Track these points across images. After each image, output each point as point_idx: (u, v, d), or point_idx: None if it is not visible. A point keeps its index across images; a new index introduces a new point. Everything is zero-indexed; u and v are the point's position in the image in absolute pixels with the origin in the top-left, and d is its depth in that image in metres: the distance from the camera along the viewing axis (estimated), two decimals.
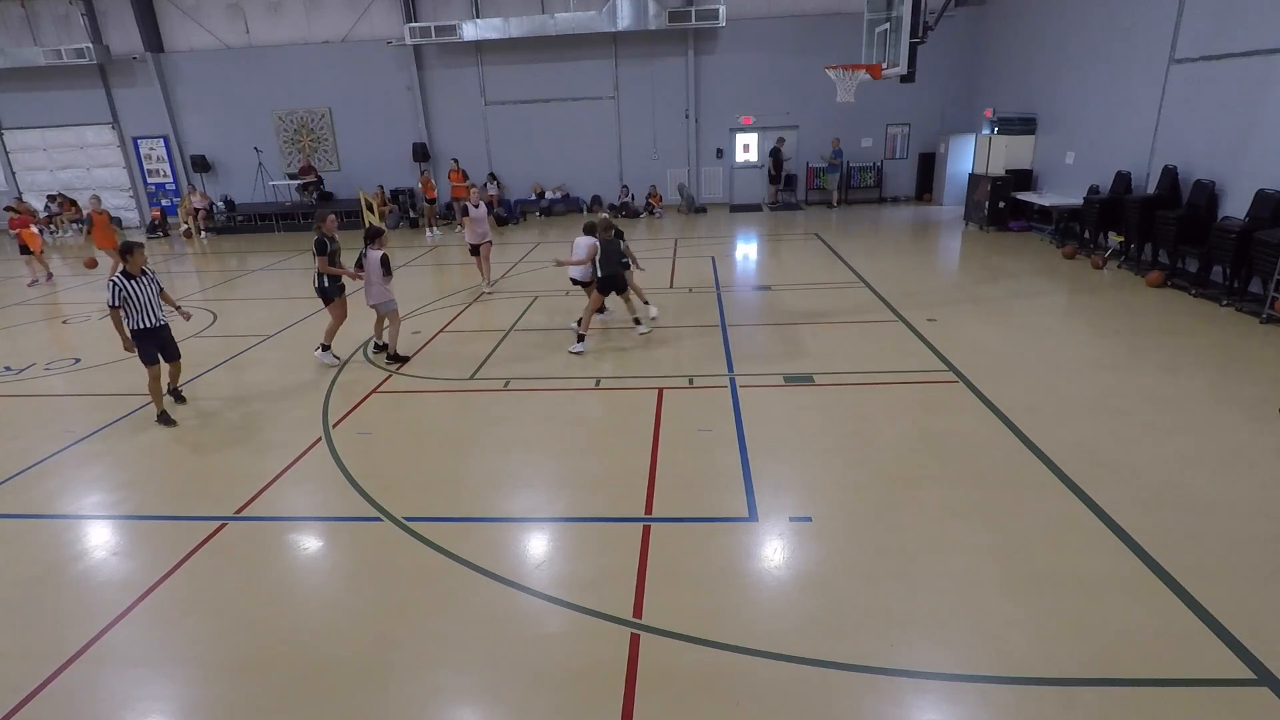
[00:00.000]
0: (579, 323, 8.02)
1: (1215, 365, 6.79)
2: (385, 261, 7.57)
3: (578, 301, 10.11)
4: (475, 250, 10.78)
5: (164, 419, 6.57)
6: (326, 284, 7.75)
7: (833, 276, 11.05)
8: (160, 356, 6.55)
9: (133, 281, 6.27)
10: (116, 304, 6.23)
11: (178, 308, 6.88)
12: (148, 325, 6.41)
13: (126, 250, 6.31)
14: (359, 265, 7.63)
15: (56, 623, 3.97)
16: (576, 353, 7.81)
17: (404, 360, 7.93)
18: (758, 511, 4.68)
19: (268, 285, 12.70)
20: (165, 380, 6.82)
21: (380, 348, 8.24)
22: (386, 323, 8.05)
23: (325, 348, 7.91)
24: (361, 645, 3.67)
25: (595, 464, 5.49)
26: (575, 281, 8.93)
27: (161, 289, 6.60)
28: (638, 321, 8.40)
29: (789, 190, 18.96)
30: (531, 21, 17.25)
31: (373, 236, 7.67)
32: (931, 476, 5.02)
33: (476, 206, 10.65)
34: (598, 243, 7.78)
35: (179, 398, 7.06)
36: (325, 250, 7.55)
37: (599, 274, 7.83)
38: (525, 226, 17.96)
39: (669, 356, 7.74)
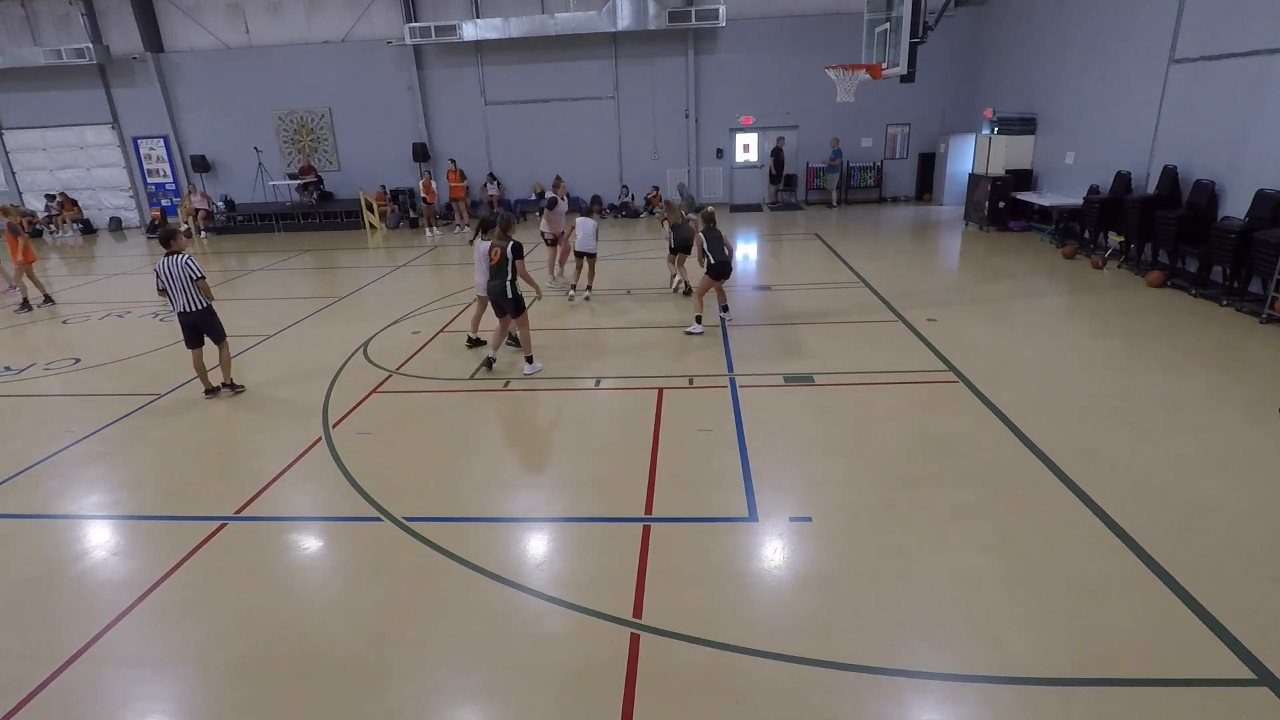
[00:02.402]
0: (698, 319, 8.50)
1: (1215, 365, 6.80)
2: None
3: (576, 301, 10.12)
4: (553, 242, 10.89)
5: (235, 386, 7.22)
6: (518, 291, 7.17)
7: (833, 276, 11.05)
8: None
9: None
10: (203, 274, 6.80)
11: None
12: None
13: (171, 236, 6.74)
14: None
15: (56, 623, 3.97)
16: (697, 333, 8.37)
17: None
18: (758, 511, 4.68)
19: (268, 285, 12.70)
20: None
21: (474, 341, 8.24)
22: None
23: (530, 359, 7.48)
24: (361, 645, 3.67)
25: (595, 464, 5.49)
26: (579, 253, 9.91)
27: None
28: (725, 308, 8.84)
29: (789, 190, 18.97)
30: (531, 21, 17.25)
31: (486, 227, 7.66)
32: (931, 476, 5.02)
33: (563, 200, 10.90)
34: (701, 235, 8.19)
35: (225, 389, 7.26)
36: (523, 254, 7.22)
37: (711, 261, 8.15)
38: (525, 226, 17.93)
39: (669, 356, 7.75)
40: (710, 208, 8.78)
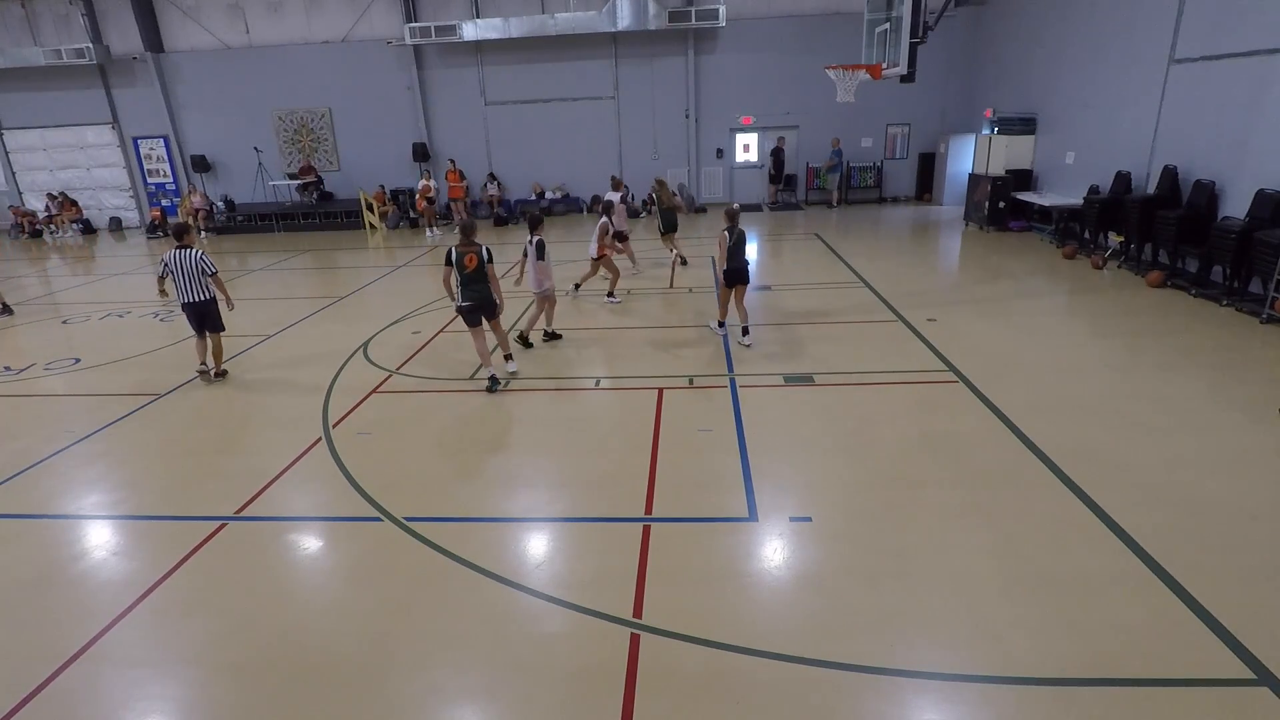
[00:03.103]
0: (721, 322, 8.27)
1: (1215, 365, 6.79)
2: (541, 247, 7.77)
3: (576, 301, 10.11)
4: (623, 236, 10.82)
5: (220, 373, 7.71)
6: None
7: (833, 276, 11.05)
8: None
9: None
10: (216, 270, 7.32)
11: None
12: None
13: (184, 230, 7.31)
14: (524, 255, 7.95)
15: (56, 623, 3.97)
16: (722, 335, 8.19)
17: (557, 336, 8.44)
18: (758, 511, 4.68)
19: (268, 285, 12.70)
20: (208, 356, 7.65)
21: (550, 334, 8.45)
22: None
23: (509, 356, 7.39)
24: (361, 645, 3.67)
25: (595, 464, 5.49)
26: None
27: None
28: (748, 330, 7.96)
29: (789, 190, 18.97)
30: (531, 21, 17.25)
31: (534, 224, 7.81)
32: (931, 476, 5.02)
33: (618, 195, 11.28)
34: (726, 233, 7.57)
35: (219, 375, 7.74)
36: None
37: (725, 265, 7.63)
38: (525, 226, 17.93)
39: (669, 356, 7.75)
40: (736, 205, 8.20)
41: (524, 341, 8.23)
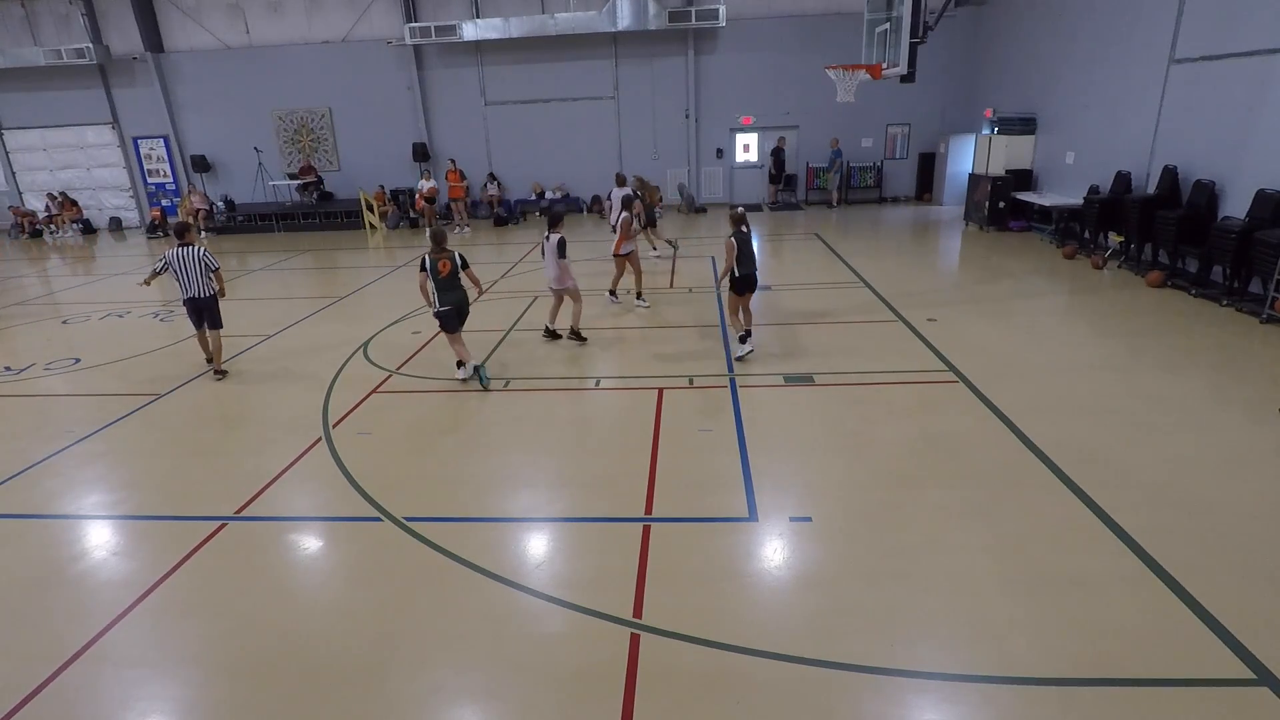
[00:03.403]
0: (742, 338, 7.52)
1: (1215, 365, 6.79)
2: (562, 245, 7.80)
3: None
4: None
5: (221, 372, 7.79)
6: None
7: (833, 276, 11.05)
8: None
9: None
10: (218, 265, 7.60)
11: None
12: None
13: (185, 229, 7.60)
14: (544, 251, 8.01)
15: (56, 623, 3.97)
16: (743, 355, 7.41)
17: (583, 339, 8.23)
18: (758, 511, 4.68)
19: (268, 285, 12.70)
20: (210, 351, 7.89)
21: (551, 333, 8.38)
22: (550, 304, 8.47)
23: (461, 364, 7.28)
24: (361, 645, 3.67)
25: (595, 464, 5.49)
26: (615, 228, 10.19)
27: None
28: (750, 334, 7.60)
29: (789, 190, 18.97)
30: (531, 21, 17.26)
31: (553, 221, 7.89)
32: (931, 476, 5.02)
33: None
34: (734, 240, 7.12)
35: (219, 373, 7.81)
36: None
37: (735, 273, 7.17)
38: (525, 226, 17.97)
39: (669, 356, 7.74)
40: (740, 209, 7.62)
41: (577, 336, 8.19)
